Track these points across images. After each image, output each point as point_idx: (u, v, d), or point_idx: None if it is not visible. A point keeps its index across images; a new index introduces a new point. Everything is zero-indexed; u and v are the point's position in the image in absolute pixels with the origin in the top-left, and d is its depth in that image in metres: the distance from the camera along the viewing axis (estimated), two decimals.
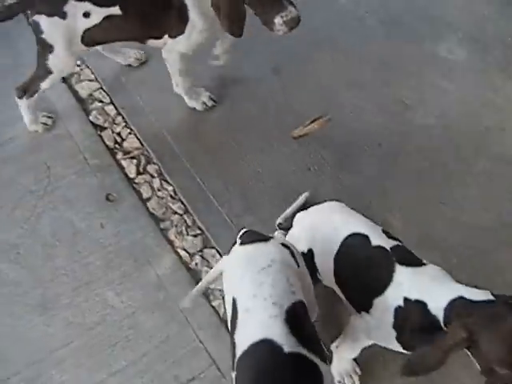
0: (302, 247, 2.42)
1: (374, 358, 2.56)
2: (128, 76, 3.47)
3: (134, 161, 3.15)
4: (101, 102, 3.37)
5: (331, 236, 2.36)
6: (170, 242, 2.90)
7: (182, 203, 3.01)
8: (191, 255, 2.87)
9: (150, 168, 3.13)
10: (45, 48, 2.90)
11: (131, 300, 2.73)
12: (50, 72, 2.98)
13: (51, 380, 2.54)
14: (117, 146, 3.21)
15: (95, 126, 3.27)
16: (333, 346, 2.50)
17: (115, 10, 2.83)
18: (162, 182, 3.08)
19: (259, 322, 1.91)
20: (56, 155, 3.15)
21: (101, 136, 3.23)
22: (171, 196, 3.04)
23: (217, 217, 2.96)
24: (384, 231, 2.35)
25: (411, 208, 3.01)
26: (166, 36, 2.99)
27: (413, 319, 2.07)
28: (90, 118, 3.30)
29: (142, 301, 2.72)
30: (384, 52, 3.62)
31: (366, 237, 2.30)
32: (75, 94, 3.40)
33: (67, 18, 2.81)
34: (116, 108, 3.34)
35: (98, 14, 2.82)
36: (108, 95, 3.39)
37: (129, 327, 2.66)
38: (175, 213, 2.99)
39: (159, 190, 3.05)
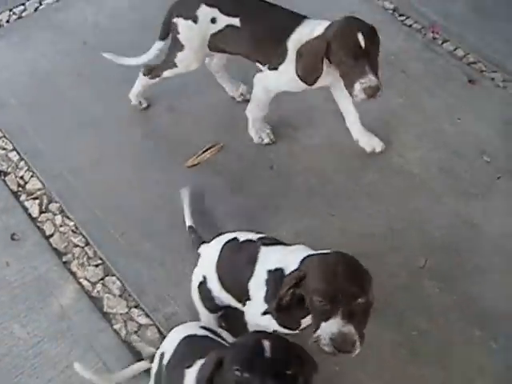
0: (199, 278, 2.69)
1: None
2: (30, 122, 3.64)
3: (37, 201, 3.30)
4: (4, 149, 3.54)
5: (213, 252, 2.61)
6: (73, 274, 3.04)
7: (83, 236, 3.17)
8: (93, 284, 3.02)
9: (52, 206, 3.29)
10: (177, 46, 3.25)
11: (37, 330, 2.86)
12: (175, 66, 3.34)
13: None
14: (20, 188, 3.37)
15: None
16: None
17: (235, 22, 3.10)
18: (64, 218, 3.24)
19: (183, 331, 2.40)
20: None
21: (4, 181, 3.39)
22: (73, 230, 3.19)
23: (116, 246, 3.12)
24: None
25: (302, 223, 3.20)
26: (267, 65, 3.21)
27: (276, 288, 2.25)
28: None
29: (46, 330, 2.86)
30: None
31: (235, 238, 2.57)
32: None
33: (198, 22, 3.14)
34: (19, 154, 3.50)
35: (222, 21, 3.11)
36: (11, 142, 3.56)
37: (34, 356, 2.79)
38: (77, 246, 3.14)
39: (61, 226, 3.21)
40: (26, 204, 3.30)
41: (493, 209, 3.32)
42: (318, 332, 2.06)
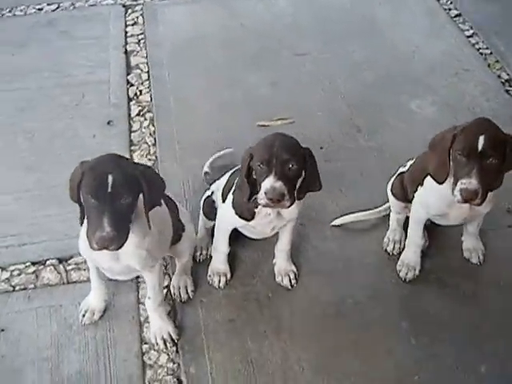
0: (208, 193, 3.39)
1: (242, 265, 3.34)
2: (170, 60, 4.70)
3: (140, 107, 4.27)
4: (141, 70, 4.60)
5: (225, 177, 3.29)
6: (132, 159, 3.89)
7: (155, 139, 4.04)
8: None
9: (147, 115, 4.22)
10: None
11: None
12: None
13: None
14: (135, 96, 4.37)
15: (128, 82, 4.49)
16: (212, 248, 3.29)
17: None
18: (150, 125, 4.14)
19: None
20: (94, 93, 4.39)
21: (128, 89, 4.42)
22: (150, 134, 4.08)
23: (172, 153, 3.92)
24: None
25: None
26: None
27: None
28: (128, 77, 4.52)
29: None
30: (367, 95, 4.46)
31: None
32: (127, 60, 4.69)
33: None
34: (148, 76, 4.54)
35: None
36: (148, 67, 4.61)
37: None
38: (146, 143, 4.00)
39: (144, 128, 4.11)
40: (132, 107, 4.27)
41: None
42: (260, 192, 2.67)
